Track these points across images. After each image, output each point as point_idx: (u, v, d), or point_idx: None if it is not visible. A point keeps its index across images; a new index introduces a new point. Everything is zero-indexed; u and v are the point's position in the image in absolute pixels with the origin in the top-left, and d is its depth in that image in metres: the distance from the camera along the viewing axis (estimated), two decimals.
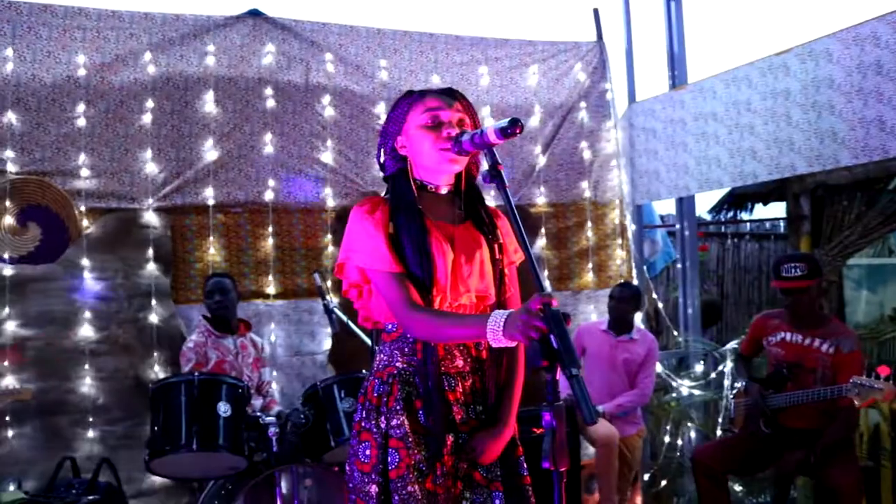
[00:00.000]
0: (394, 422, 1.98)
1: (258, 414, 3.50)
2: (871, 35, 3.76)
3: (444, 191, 2.11)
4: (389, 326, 2.09)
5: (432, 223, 2.06)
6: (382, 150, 2.14)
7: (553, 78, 5.52)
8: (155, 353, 4.39)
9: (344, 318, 3.70)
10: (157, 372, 4.36)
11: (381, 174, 2.19)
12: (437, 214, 2.09)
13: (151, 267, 4.44)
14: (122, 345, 4.37)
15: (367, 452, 1.98)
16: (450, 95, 2.08)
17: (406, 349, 2.04)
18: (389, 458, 1.96)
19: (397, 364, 2.04)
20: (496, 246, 2.11)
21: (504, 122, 1.83)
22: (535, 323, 1.69)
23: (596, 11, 5.63)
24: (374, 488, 1.95)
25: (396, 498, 1.92)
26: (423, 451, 1.98)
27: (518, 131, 1.84)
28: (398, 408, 1.99)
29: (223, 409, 3.32)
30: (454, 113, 2.05)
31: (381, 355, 2.10)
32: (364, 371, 3.66)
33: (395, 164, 2.11)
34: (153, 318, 4.41)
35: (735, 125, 4.46)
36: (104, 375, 4.32)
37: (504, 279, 2.11)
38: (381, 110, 4.99)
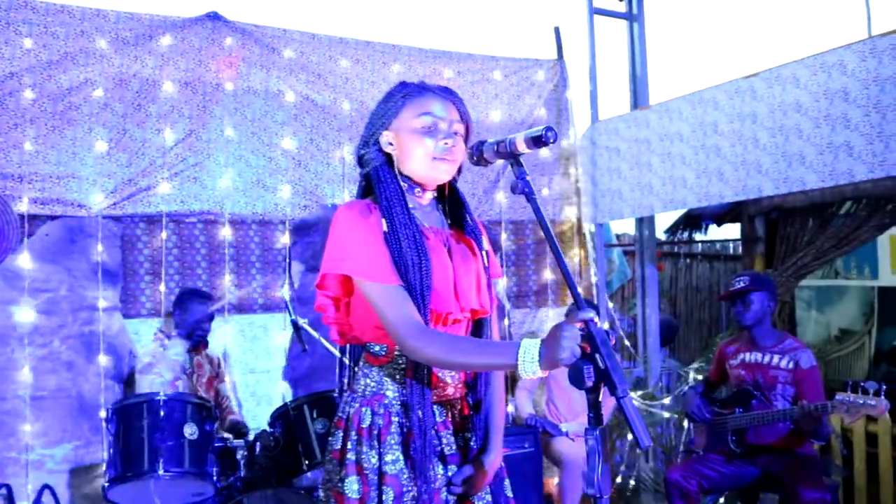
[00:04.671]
0: (388, 457, 1.80)
1: (226, 436, 3.30)
2: (838, 63, 3.85)
3: (429, 195, 1.96)
4: (377, 348, 1.88)
5: (424, 228, 1.89)
6: (366, 142, 1.94)
7: (514, 94, 5.49)
8: (101, 371, 4.12)
9: (316, 334, 3.54)
10: (104, 390, 4.09)
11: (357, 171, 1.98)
12: (426, 220, 1.93)
13: (99, 279, 4.17)
14: (66, 361, 4.08)
15: (356, 487, 1.80)
16: (448, 97, 1.92)
17: (398, 376, 1.85)
18: (384, 496, 1.78)
19: (388, 392, 1.85)
20: (483, 254, 1.98)
21: (537, 129, 1.74)
22: (578, 343, 1.60)
23: (557, 30, 5.64)
24: None
25: None
26: (416, 486, 1.81)
27: (552, 141, 1.76)
28: (392, 442, 1.82)
29: (189, 430, 3.11)
30: (452, 119, 1.90)
31: (368, 380, 1.88)
32: (336, 392, 3.51)
33: (378, 160, 1.91)
34: (100, 333, 4.13)
35: (701, 146, 4.50)
36: (45, 394, 4.01)
37: (491, 290, 1.99)
38: (341, 120, 4.85)
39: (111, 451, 3.12)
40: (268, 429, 3.39)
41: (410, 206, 1.88)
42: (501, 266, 1.91)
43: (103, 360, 4.11)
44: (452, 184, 2.00)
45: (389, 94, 1.94)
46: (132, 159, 4.30)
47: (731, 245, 7.86)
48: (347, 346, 1.99)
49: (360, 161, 1.96)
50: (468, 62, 5.37)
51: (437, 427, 1.88)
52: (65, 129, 4.16)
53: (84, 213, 4.18)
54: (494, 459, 1.93)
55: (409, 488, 1.81)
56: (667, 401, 4.89)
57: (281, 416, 3.41)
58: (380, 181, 1.88)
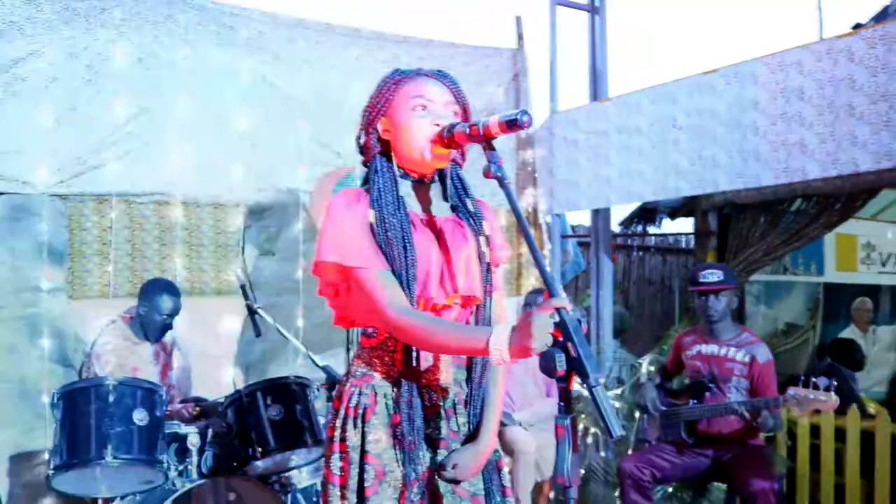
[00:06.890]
0: (371, 437, 1.85)
1: (176, 423, 3.21)
2: (795, 62, 3.92)
3: (428, 181, 1.96)
4: (370, 330, 1.92)
5: (416, 216, 1.91)
6: (363, 131, 1.95)
7: (474, 82, 5.46)
8: (45, 355, 3.98)
9: (270, 319, 3.47)
10: (47, 375, 3.95)
11: (360, 158, 1.99)
12: (422, 206, 1.94)
13: (44, 259, 4.02)
14: (6, 345, 3.93)
15: (340, 465, 1.86)
16: (442, 80, 1.92)
17: (386, 358, 1.90)
18: (365, 475, 1.83)
19: (376, 374, 1.90)
20: (483, 239, 1.97)
21: (512, 113, 1.73)
22: (549, 331, 1.58)
23: (518, 19, 5.64)
24: None
25: None
26: (399, 468, 1.86)
27: (526, 125, 1.74)
28: (376, 422, 1.86)
29: (139, 416, 3.02)
30: (446, 101, 1.89)
31: (360, 360, 1.94)
32: (291, 376, 3.46)
33: (376, 148, 1.93)
34: (44, 316, 3.99)
35: (660, 140, 4.55)
36: None
37: (490, 276, 1.98)
38: (297, 102, 4.76)
39: (56, 437, 3.01)
40: (220, 415, 3.31)
41: (405, 193, 1.90)
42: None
43: (47, 343, 3.98)
44: (454, 167, 2.00)
45: (382, 81, 1.94)
46: (81, 136, 4.15)
47: (684, 239, 8.01)
48: (349, 329, 2.04)
49: (361, 151, 1.97)
50: (428, 48, 5.32)
51: (427, 411, 1.90)
52: (9, 103, 3.98)
53: (29, 191, 4.02)
54: (487, 446, 1.94)
55: (392, 469, 1.84)
56: (619, 392, 4.94)
57: (233, 403, 3.34)
58: (375, 171, 1.90)
